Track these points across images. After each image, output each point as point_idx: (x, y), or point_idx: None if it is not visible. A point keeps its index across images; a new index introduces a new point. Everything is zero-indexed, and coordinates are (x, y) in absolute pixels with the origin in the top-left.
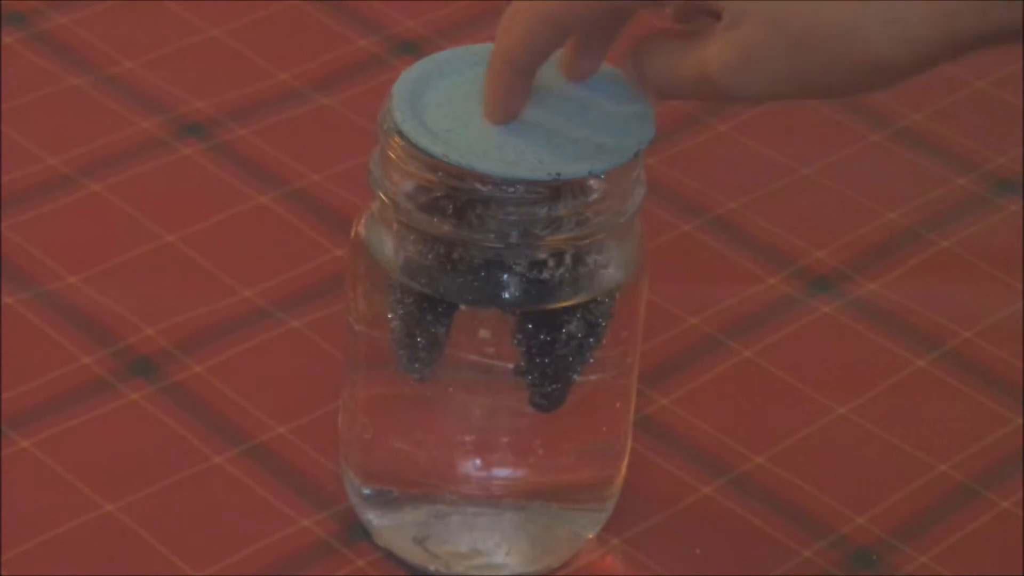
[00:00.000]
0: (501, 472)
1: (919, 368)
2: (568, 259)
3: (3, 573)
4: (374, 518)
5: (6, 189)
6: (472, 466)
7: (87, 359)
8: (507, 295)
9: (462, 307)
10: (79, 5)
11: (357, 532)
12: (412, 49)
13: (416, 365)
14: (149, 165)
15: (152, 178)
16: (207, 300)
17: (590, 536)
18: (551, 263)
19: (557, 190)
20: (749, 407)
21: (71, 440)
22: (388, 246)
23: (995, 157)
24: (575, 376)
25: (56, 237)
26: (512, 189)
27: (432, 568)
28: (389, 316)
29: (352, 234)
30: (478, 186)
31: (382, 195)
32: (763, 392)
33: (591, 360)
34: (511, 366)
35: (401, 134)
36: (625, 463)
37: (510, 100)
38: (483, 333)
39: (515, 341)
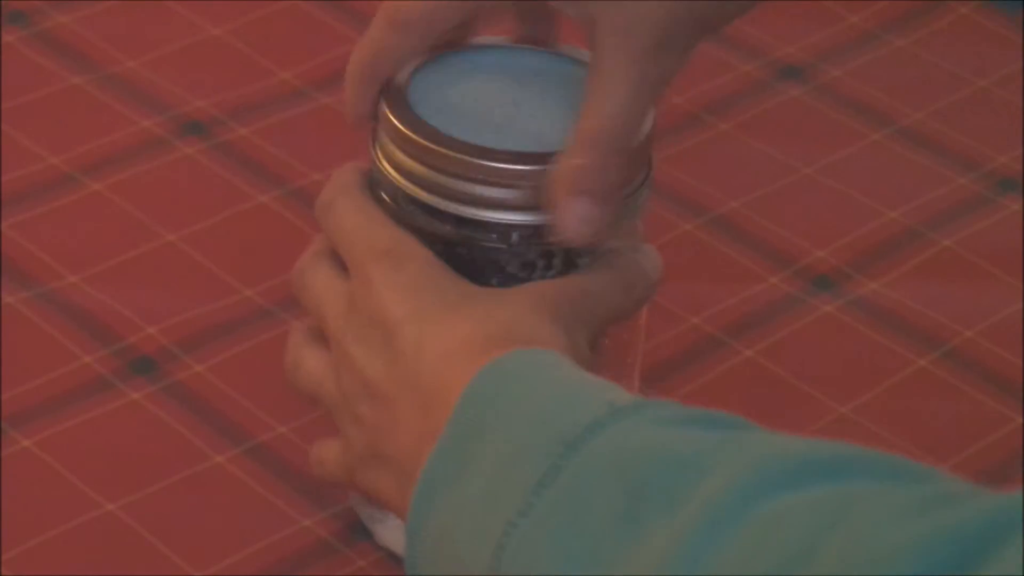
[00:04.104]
0: None
1: (920, 367)
2: (558, 262)
3: (4, 572)
4: (375, 518)
5: (7, 188)
6: None
7: (88, 358)
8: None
9: None
10: (80, 4)
11: (358, 532)
12: None
13: None
14: (150, 164)
15: (153, 177)
16: (208, 299)
17: None
18: (540, 265)
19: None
20: (751, 406)
21: (72, 439)
22: None
23: (996, 156)
24: None
25: (57, 236)
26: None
27: None
28: None
29: None
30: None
31: (383, 195)
32: (764, 391)
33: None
34: None
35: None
36: None
37: (358, 104)
38: None
39: None
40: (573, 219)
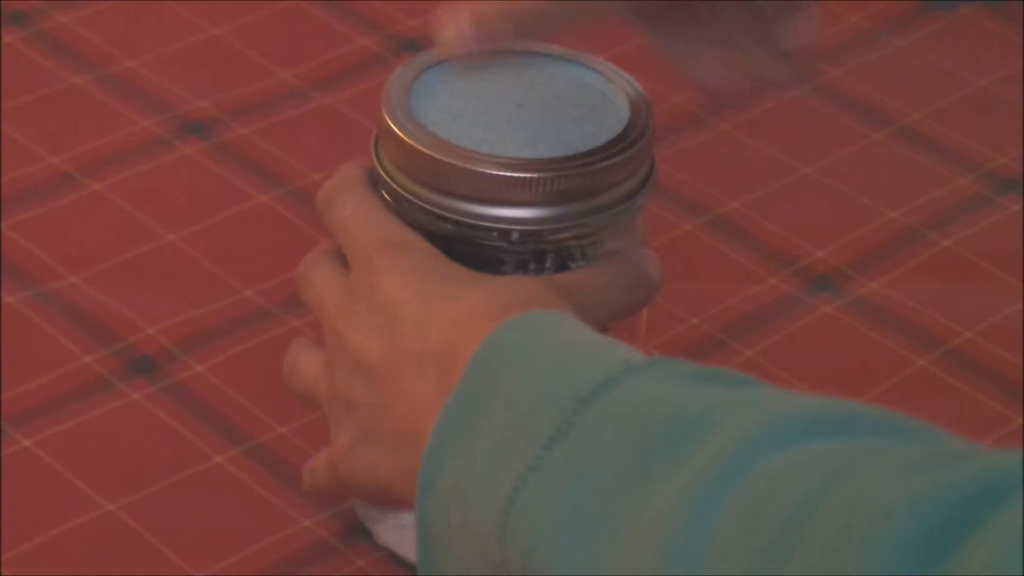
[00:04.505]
0: None
1: (920, 368)
2: (550, 264)
3: (4, 573)
4: (375, 518)
5: (7, 188)
6: None
7: (88, 358)
8: None
9: None
10: (80, 4)
11: (358, 532)
12: (414, 48)
13: None
14: (150, 164)
15: (153, 177)
16: (208, 299)
17: None
18: (532, 267)
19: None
20: None
21: (72, 439)
22: None
23: (996, 156)
24: None
25: (57, 236)
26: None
27: None
28: None
29: None
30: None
31: (384, 193)
32: None
33: None
34: None
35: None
36: None
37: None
38: None
39: None
40: (451, 26)
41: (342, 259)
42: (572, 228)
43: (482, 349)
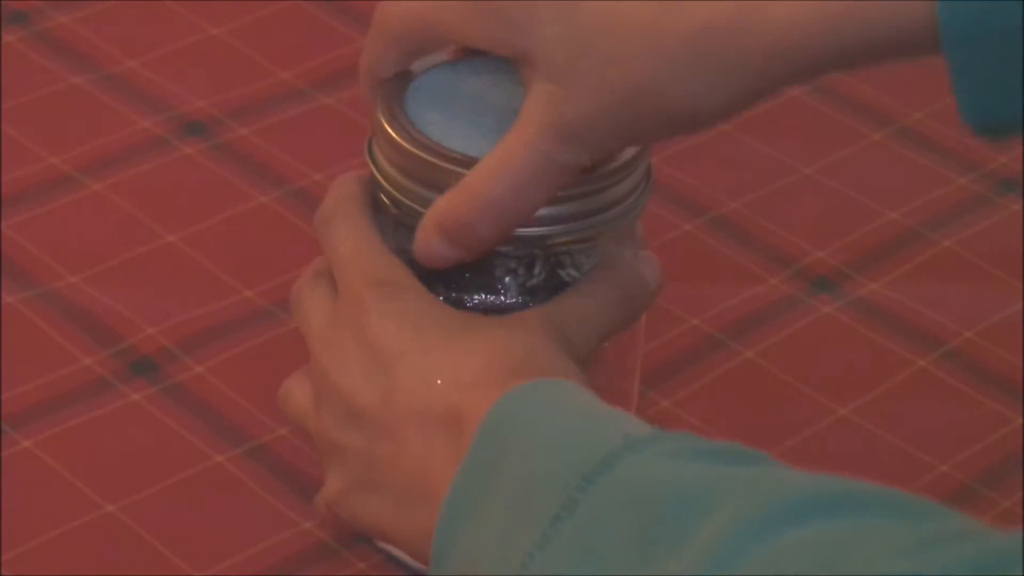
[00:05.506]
0: None
1: (920, 368)
2: (539, 269)
3: (3, 573)
4: None
5: (7, 188)
6: None
7: (88, 359)
8: (503, 292)
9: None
10: (80, 4)
11: (357, 535)
12: None
13: None
14: (150, 164)
15: (153, 177)
16: (208, 300)
17: None
18: (521, 272)
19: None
20: (751, 408)
21: (72, 440)
22: (389, 244)
23: (996, 156)
24: None
25: (57, 236)
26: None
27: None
28: None
29: None
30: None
31: (381, 196)
32: (764, 393)
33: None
34: None
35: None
36: None
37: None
38: None
39: None
40: (425, 248)
41: (333, 283)
42: (571, 232)
43: (488, 421)
